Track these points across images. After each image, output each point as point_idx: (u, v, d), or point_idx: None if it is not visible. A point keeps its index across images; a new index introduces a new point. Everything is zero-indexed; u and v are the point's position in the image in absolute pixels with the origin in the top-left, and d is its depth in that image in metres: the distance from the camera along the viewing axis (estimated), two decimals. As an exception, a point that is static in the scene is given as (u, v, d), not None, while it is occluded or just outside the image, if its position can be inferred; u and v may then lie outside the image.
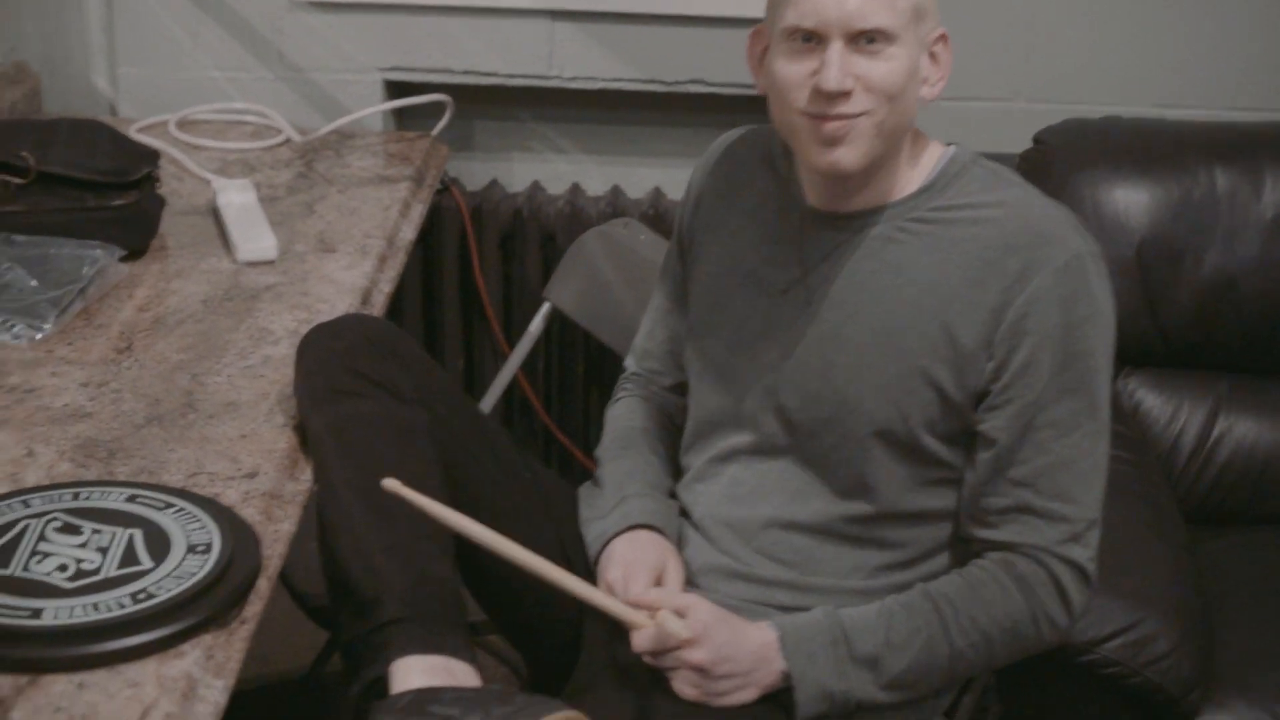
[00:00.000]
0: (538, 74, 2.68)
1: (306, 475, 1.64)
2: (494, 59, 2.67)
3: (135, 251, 2.08)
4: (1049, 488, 1.58)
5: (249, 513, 1.53)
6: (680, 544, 1.72)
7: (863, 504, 1.63)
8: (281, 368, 1.80)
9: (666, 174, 2.79)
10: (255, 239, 2.12)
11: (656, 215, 2.67)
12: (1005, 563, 1.59)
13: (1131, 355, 2.31)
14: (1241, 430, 2.33)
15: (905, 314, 1.59)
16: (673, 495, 1.78)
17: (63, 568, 1.39)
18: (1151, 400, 2.35)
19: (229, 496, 1.56)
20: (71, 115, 2.43)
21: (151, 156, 2.14)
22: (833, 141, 1.54)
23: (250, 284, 2.04)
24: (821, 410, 1.63)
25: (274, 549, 1.50)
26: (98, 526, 1.45)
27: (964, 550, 1.65)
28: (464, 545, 1.63)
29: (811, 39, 1.54)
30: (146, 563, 1.41)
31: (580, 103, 2.74)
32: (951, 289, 1.58)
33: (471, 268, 2.74)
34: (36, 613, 1.33)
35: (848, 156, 1.55)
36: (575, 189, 2.77)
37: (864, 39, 1.52)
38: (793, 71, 1.55)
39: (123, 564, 1.40)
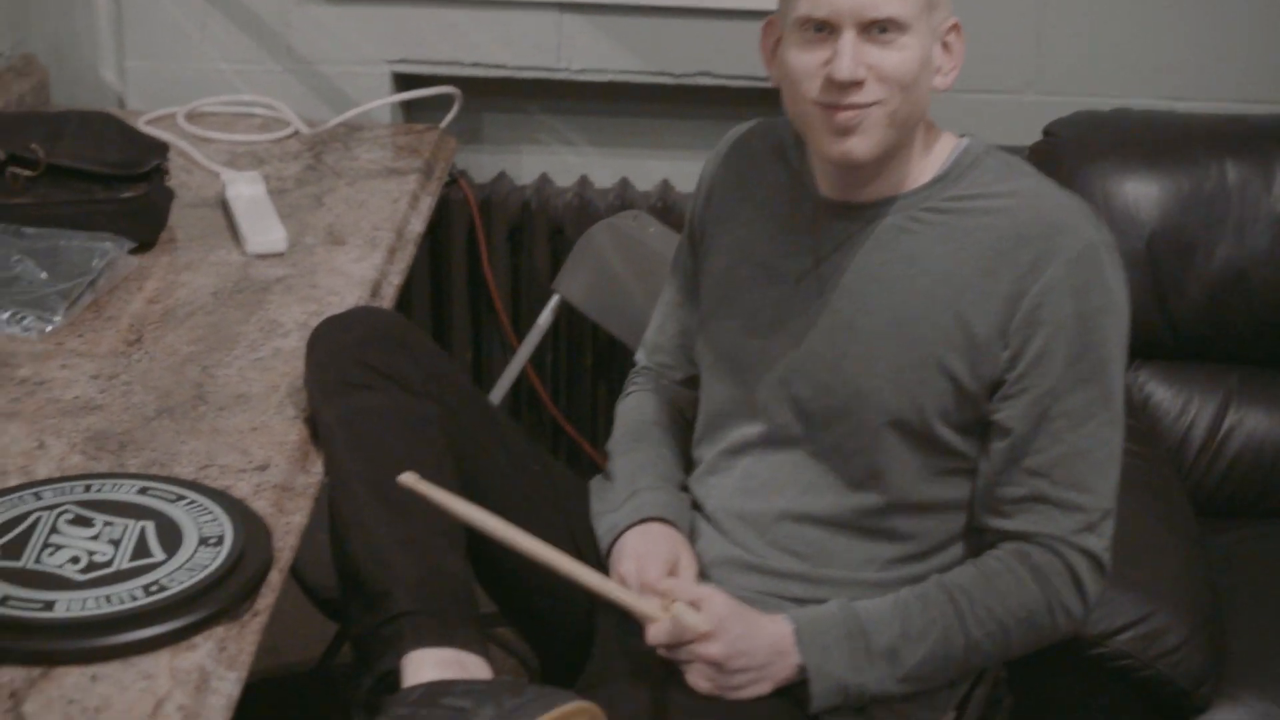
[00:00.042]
0: (546, 66, 2.68)
1: (317, 468, 1.64)
2: (502, 51, 2.67)
3: (144, 244, 2.08)
4: (1064, 477, 1.57)
5: (260, 505, 1.53)
6: (692, 537, 1.72)
7: (876, 495, 1.63)
8: (292, 360, 1.80)
9: (675, 166, 2.79)
10: (265, 231, 2.12)
11: (665, 207, 2.66)
12: (1020, 553, 1.59)
13: (1141, 348, 2.31)
14: (1252, 423, 2.32)
15: (918, 304, 1.59)
16: (684, 489, 1.78)
17: (75, 560, 1.39)
18: (1161, 393, 2.34)
19: (240, 489, 1.55)
20: (80, 108, 2.43)
21: (161, 149, 2.14)
22: (845, 131, 1.54)
23: (260, 276, 2.03)
24: (834, 400, 1.62)
25: (285, 541, 1.50)
26: (109, 519, 1.45)
27: (977, 541, 1.64)
28: (475, 538, 1.63)
29: (824, 29, 1.53)
30: (159, 555, 1.41)
31: (589, 95, 2.74)
32: (965, 279, 1.58)
33: (480, 260, 2.74)
34: (49, 605, 1.33)
35: (860, 146, 1.55)
36: (583, 181, 2.77)
37: (876, 28, 1.52)
38: (805, 61, 1.55)
39: (135, 556, 1.40)
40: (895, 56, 1.53)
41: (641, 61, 2.66)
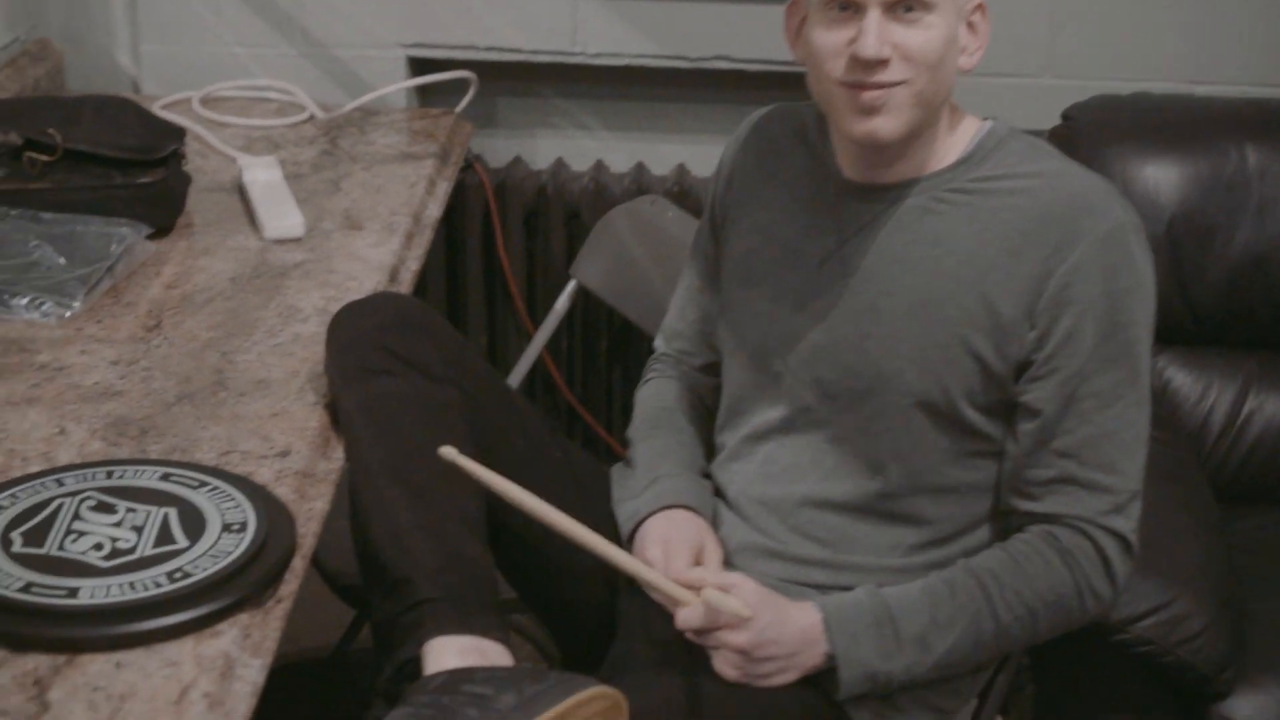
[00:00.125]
0: (561, 50, 2.67)
1: (338, 454, 1.63)
2: (517, 35, 2.66)
3: (162, 229, 2.08)
4: (1092, 458, 1.57)
5: (282, 491, 1.53)
6: (715, 523, 1.71)
7: (899, 479, 1.62)
8: (311, 345, 1.80)
9: (690, 151, 2.77)
10: (282, 216, 2.11)
11: (681, 192, 2.65)
12: (1048, 535, 1.58)
13: (1161, 333, 2.26)
14: (1272, 408, 2.31)
15: (944, 285, 1.58)
16: (706, 475, 1.77)
17: (98, 547, 1.39)
18: (1181, 378, 2.33)
19: (262, 475, 1.55)
20: (95, 92, 2.43)
21: (178, 134, 2.13)
22: (870, 111, 1.53)
23: (278, 261, 2.03)
24: (859, 382, 1.62)
25: (308, 528, 1.50)
26: (132, 505, 1.45)
27: (1002, 524, 1.64)
28: (496, 524, 1.62)
29: (849, 8, 1.52)
30: (182, 542, 1.40)
31: (604, 79, 2.73)
32: (990, 259, 1.57)
33: (495, 245, 2.73)
34: (73, 592, 1.33)
35: (885, 126, 1.54)
36: (599, 166, 2.76)
37: (902, 7, 1.51)
38: (830, 40, 1.54)
39: (158, 543, 1.40)
40: (920, 35, 1.52)
41: (657, 45, 2.65)
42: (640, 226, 2.37)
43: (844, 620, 1.57)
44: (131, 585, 1.34)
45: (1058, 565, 1.58)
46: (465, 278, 2.77)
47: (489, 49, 2.67)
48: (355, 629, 2.32)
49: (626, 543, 1.70)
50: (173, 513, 1.44)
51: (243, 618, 1.35)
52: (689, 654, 1.58)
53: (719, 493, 1.74)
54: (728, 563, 1.68)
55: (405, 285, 2.04)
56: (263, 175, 2.22)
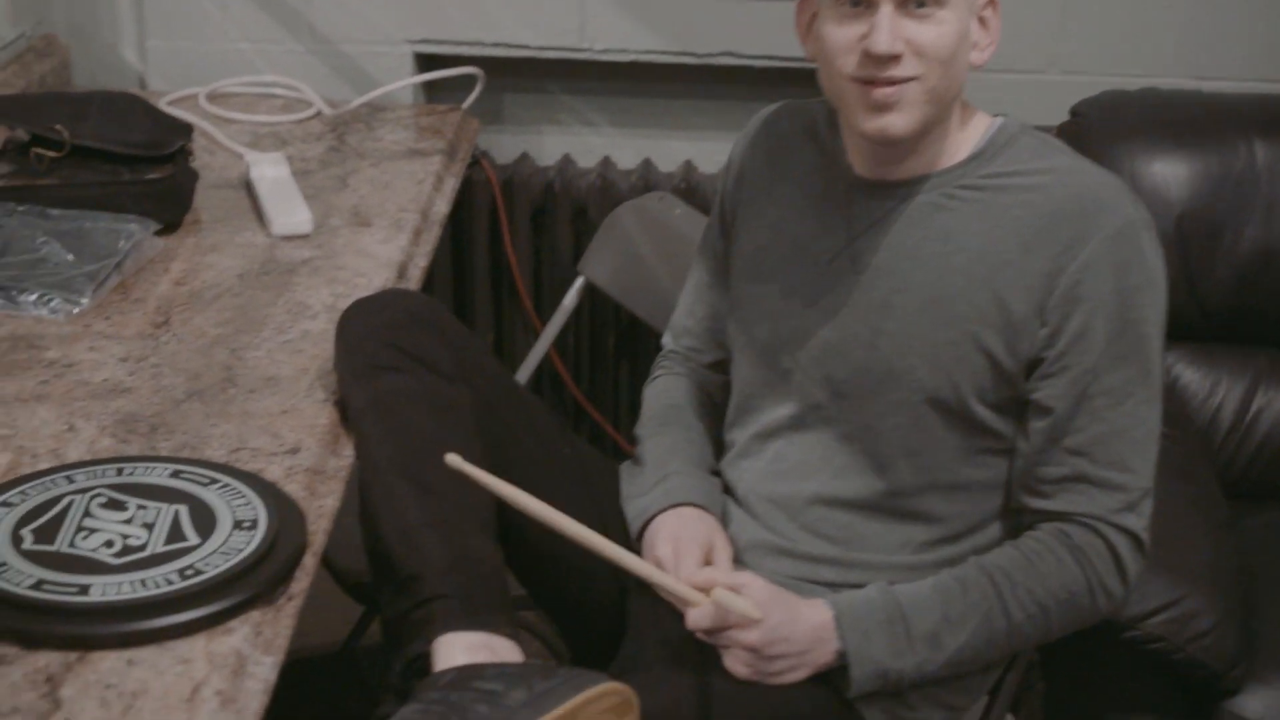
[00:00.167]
0: (569, 46, 2.66)
1: (348, 451, 1.63)
2: (524, 31, 2.66)
3: (170, 225, 2.07)
4: (1104, 456, 1.57)
5: (292, 488, 1.52)
6: (724, 521, 1.71)
7: (909, 477, 1.62)
8: (320, 342, 1.79)
9: (697, 147, 2.77)
10: (290, 213, 2.11)
11: (688, 189, 2.65)
12: (1060, 533, 1.58)
13: (1169, 329, 2.23)
14: (1281, 405, 2.31)
15: (955, 281, 1.58)
16: (715, 473, 1.77)
17: (109, 544, 1.39)
18: (1190, 375, 2.33)
19: (272, 472, 1.55)
20: (100, 88, 2.42)
21: (185, 130, 2.13)
22: (883, 108, 1.53)
23: (285, 258, 2.03)
24: (870, 379, 1.61)
25: (318, 525, 1.49)
26: (143, 502, 1.45)
27: (1011, 522, 1.63)
28: (506, 521, 1.62)
29: (860, 3, 1.52)
30: (193, 539, 1.40)
31: (611, 75, 2.73)
32: (1001, 256, 1.57)
33: (502, 241, 2.73)
34: (84, 589, 1.33)
35: (897, 123, 1.54)
36: (606, 162, 2.76)
37: (914, 3, 1.51)
38: (841, 36, 1.54)
39: (169, 540, 1.40)
40: (932, 31, 1.51)
41: (665, 41, 2.65)
42: (648, 223, 2.36)
43: (855, 618, 1.56)
44: (143, 582, 1.34)
45: (1070, 563, 1.57)
46: (472, 274, 2.77)
47: (496, 45, 2.66)
48: (363, 626, 2.32)
49: (636, 541, 1.70)
50: (183, 510, 1.44)
51: (254, 615, 1.35)
52: (699, 652, 1.57)
53: (728, 490, 1.74)
54: (738, 560, 1.68)
55: (414, 282, 2.03)
56: (270, 172, 2.22)
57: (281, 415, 1.65)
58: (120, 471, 1.49)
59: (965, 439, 1.61)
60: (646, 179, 2.68)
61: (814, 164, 1.70)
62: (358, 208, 2.19)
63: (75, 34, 2.64)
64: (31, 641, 1.29)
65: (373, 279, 1.97)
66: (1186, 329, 2.32)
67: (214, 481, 1.49)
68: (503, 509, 1.60)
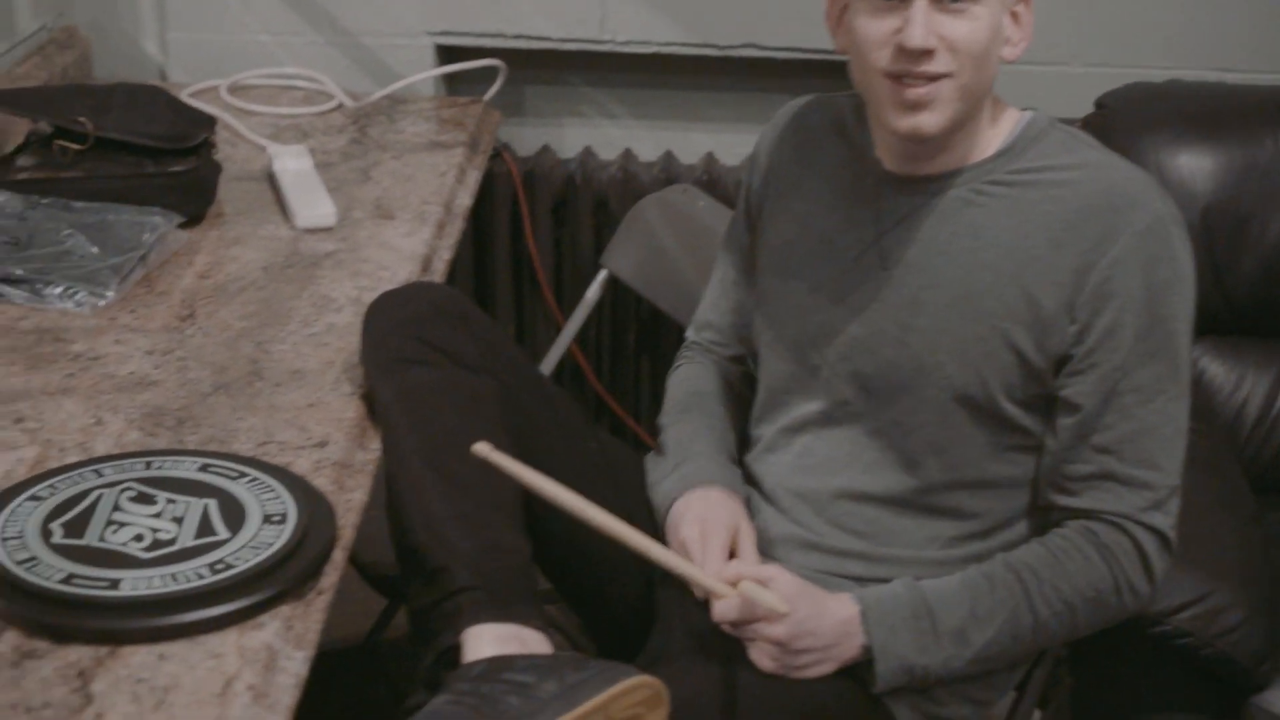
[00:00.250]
0: (590, 38, 2.65)
1: (376, 444, 1.63)
2: (546, 23, 2.65)
3: (193, 218, 2.07)
4: (1133, 454, 1.56)
5: (321, 482, 1.52)
6: (751, 514, 1.70)
7: (937, 473, 1.61)
8: (346, 335, 1.79)
9: (719, 140, 2.76)
10: (313, 205, 2.11)
11: (710, 181, 2.64)
12: (1088, 531, 1.57)
13: (1195, 323, 2.28)
14: (1307, 398, 2.30)
15: (984, 277, 1.57)
16: (737, 461, 1.76)
17: (139, 538, 1.39)
18: (1215, 368, 2.32)
19: (300, 466, 1.54)
20: (121, 80, 2.42)
21: (208, 122, 2.13)
22: (916, 107, 1.52)
23: (309, 251, 2.02)
24: (899, 375, 1.61)
25: (347, 519, 1.49)
26: (172, 496, 1.45)
27: (1039, 519, 1.63)
28: (532, 514, 1.62)
29: None
30: (223, 533, 1.40)
31: (633, 67, 2.72)
32: (1031, 252, 1.56)
33: (523, 234, 2.72)
34: (115, 583, 1.33)
35: (930, 121, 1.53)
36: (627, 154, 2.75)
37: None
38: (875, 29, 1.53)
39: (199, 534, 1.40)
40: (966, 26, 1.50)
41: (686, 33, 2.64)
42: (671, 216, 2.36)
43: (882, 613, 1.56)
44: (173, 577, 1.34)
45: (1096, 561, 1.57)
46: (493, 267, 2.76)
47: (517, 37, 2.66)
48: (386, 618, 2.32)
49: (662, 526, 1.69)
50: (213, 504, 1.44)
51: (284, 610, 1.35)
52: (726, 645, 1.57)
53: (755, 484, 1.73)
54: (764, 554, 1.67)
55: (438, 275, 2.03)
56: (293, 164, 2.22)
57: (308, 409, 1.65)
58: (149, 465, 1.49)
59: (993, 436, 1.60)
60: (668, 171, 2.67)
61: (842, 159, 1.69)
62: (380, 200, 2.19)
63: (96, 26, 2.63)
64: (62, 636, 1.29)
65: (397, 272, 1.97)
66: (1212, 322, 2.31)
67: (243, 475, 1.48)
68: (529, 501, 1.60)
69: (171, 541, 1.38)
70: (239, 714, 1.22)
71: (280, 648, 1.31)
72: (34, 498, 1.43)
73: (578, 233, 2.71)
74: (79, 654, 1.28)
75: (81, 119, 2.02)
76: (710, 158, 2.74)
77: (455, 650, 1.47)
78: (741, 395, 1.82)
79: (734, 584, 1.53)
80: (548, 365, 2.45)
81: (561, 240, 2.74)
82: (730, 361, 1.85)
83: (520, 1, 2.63)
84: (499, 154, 2.68)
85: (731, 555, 1.62)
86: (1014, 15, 1.56)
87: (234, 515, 1.42)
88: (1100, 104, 2.39)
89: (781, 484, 1.70)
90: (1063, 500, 1.59)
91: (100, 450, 1.55)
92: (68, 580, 1.33)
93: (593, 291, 2.41)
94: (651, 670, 1.43)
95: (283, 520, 1.42)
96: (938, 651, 1.55)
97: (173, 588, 1.32)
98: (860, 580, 1.62)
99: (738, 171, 2.66)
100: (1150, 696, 1.91)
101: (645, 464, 1.79)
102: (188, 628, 1.30)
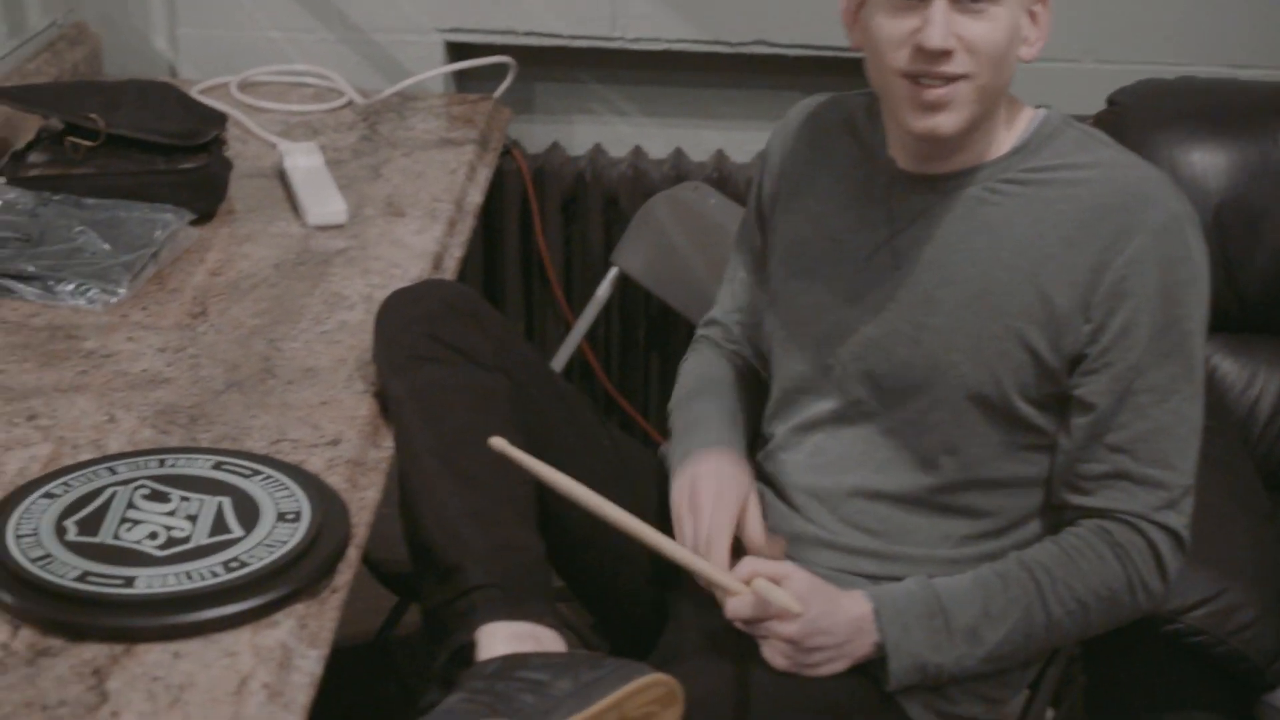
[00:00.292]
0: (600, 35, 2.65)
1: (388, 442, 1.63)
2: (556, 20, 2.64)
3: (204, 215, 2.07)
4: (1147, 453, 1.56)
5: (334, 480, 1.52)
6: (764, 512, 1.70)
7: (951, 472, 1.61)
8: (358, 333, 1.79)
9: (729, 137, 2.76)
10: (324, 203, 2.10)
11: (720, 178, 2.64)
12: (1101, 530, 1.57)
13: (1208, 319, 2.28)
14: (1319, 396, 2.30)
15: (999, 275, 1.57)
16: (749, 448, 1.76)
17: (153, 535, 1.39)
18: (1228, 365, 2.31)
19: (313, 464, 1.54)
20: (132, 76, 2.42)
21: (219, 119, 2.13)
22: (934, 108, 1.52)
23: (321, 248, 2.02)
24: (913, 374, 1.60)
25: (360, 517, 1.49)
26: (186, 494, 1.45)
27: (1053, 518, 1.62)
28: (545, 512, 1.62)
29: None
30: (237, 531, 1.40)
31: (643, 64, 2.71)
32: (1046, 250, 1.56)
33: (533, 231, 2.72)
34: (129, 581, 1.33)
35: (947, 122, 1.53)
36: (637, 152, 2.75)
37: None
38: (893, 29, 1.52)
39: (213, 532, 1.40)
40: (985, 26, 1.50)
41: (697, 30, 2.64)
42: (682, 213, 2.35)
43: (895, 611, 1.56)
44: (188, 575, 1.34)
45: (1110, 560, 1.56)
46: (503, 264, 2.76)
47: (527, 34, 2.65)
48: (396, 616, 2.32)
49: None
50: (227, 502, 1.44)
51: (299, 608, 1.35)
52: (739, 643, 1.57)
53: (768, 482, 1.73)
54: (778, 552, 1.67)
55: (449, 272, 2.03)
56: (304, 161, 2.21)
57: (321, 406, 1.65)
58: (162, 463, 1.49)
59: (1007, 435, 1.60)
60: (678, 169, 2.67)
61: (854, 158, 1.69)
62: (391, 198, 2.18)
63: (106, 22, 2.63)
64: (78, 634, 1.29)
65: (408, 269, 1.97)
66: (1225, 319, 2.29)
67: (256, 473, 1.48)
68: (542, 499, 1.60)
69: (186, 539, 1.38)
70: (254, 712, 1.22)
71: (295, 646, 1.31)
72: (48, 495, 1.43)
73: (588, 230, 2.70)
74: (94, 652, 1.28)
75: (93, 116, 2.02)
76: (721, 155, 2.73)
77: (469, 648, 1.47)
78: (752, 384, 1.82)
79: (747, 581, 1.53)
80: (558, 363, 2.44)
81: (571, 238, 2.74)
82: (740, 357, 1.84)
83: (531, -1, 2.64)
84: (509, 151, 2.67)
85: (737, 539, 1.61)
86: (1032, 15, 1.56)
87: (248, 513, 1.42)
88: (1112, 101, 2.38)
89: (794, 482, 1.70)
90: (1076, 499, 1.59)
91: (113, 448, 1.55)
92: (82, 578, 1.33)
93: (603, 289, 2.41)
94: (665, 669, 1.43)
95: (297, 518, 1.42)
96: (951, 649, 1.55)
97: (187, 586, 1.32)
98: (873, 578, 1.62)
99: (748, 169, 2.66)
100: (1163, 695, 1.91)
101: (660, 456, 1.78)
102: (202, 626, 1.30)
